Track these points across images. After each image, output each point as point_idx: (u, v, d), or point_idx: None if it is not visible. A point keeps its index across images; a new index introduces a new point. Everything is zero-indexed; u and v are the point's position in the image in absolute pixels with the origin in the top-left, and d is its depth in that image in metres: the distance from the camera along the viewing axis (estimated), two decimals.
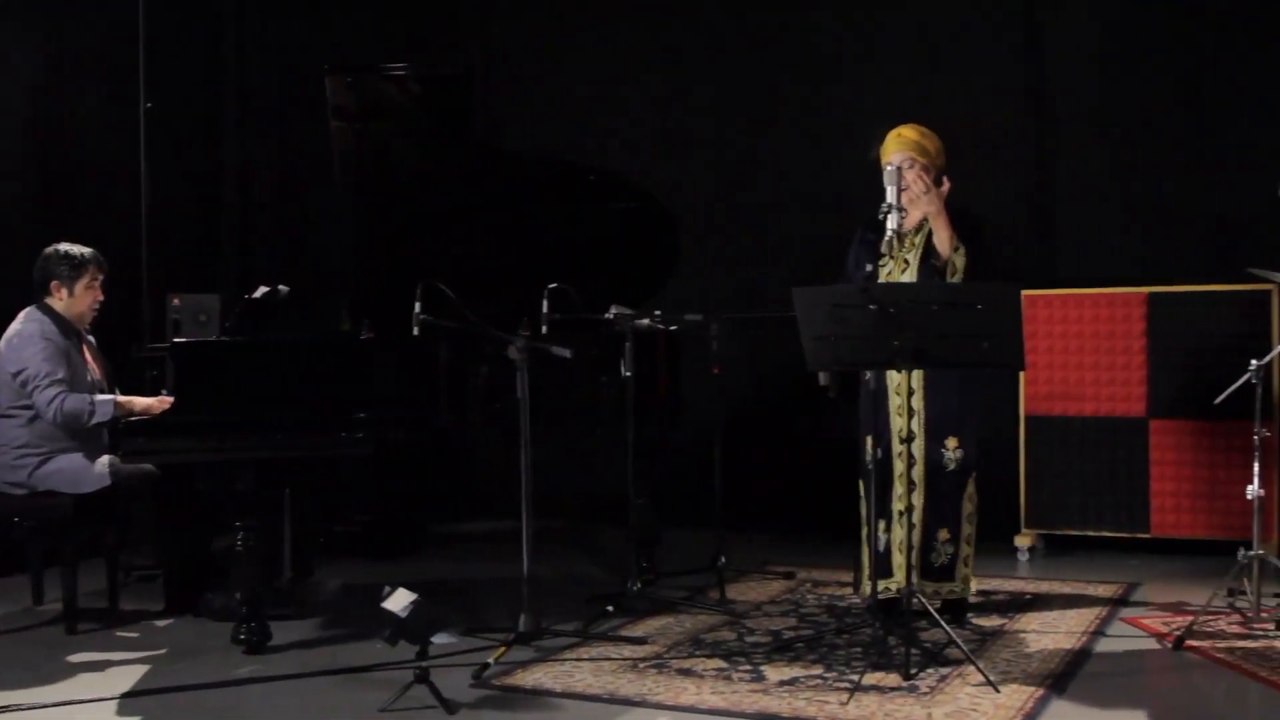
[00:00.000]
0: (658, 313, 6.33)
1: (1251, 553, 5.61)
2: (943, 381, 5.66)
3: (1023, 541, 7.43)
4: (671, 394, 6.66)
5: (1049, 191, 7.90)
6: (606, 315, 6.05)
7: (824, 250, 6.52)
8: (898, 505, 5.63)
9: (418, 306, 5.41)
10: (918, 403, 5.68)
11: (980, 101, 7.86)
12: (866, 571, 5.72)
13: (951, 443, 5.69)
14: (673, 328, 6.52)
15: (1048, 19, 7.88)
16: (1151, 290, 7.23)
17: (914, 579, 5.54)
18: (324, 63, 6.13)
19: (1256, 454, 5.60)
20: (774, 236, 8.40)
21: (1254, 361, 5.55)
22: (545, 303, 6.01)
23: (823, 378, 5.79)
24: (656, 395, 6.50)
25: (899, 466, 5.65)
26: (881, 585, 5.70)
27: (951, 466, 5.70)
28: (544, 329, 5.97)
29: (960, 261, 5.57)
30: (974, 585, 5.89)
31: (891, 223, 5.30)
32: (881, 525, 5.69)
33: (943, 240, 5.59)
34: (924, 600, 5.24)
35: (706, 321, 6.55)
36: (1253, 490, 5.61)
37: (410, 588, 4.68)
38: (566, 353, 5.43)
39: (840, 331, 4.83)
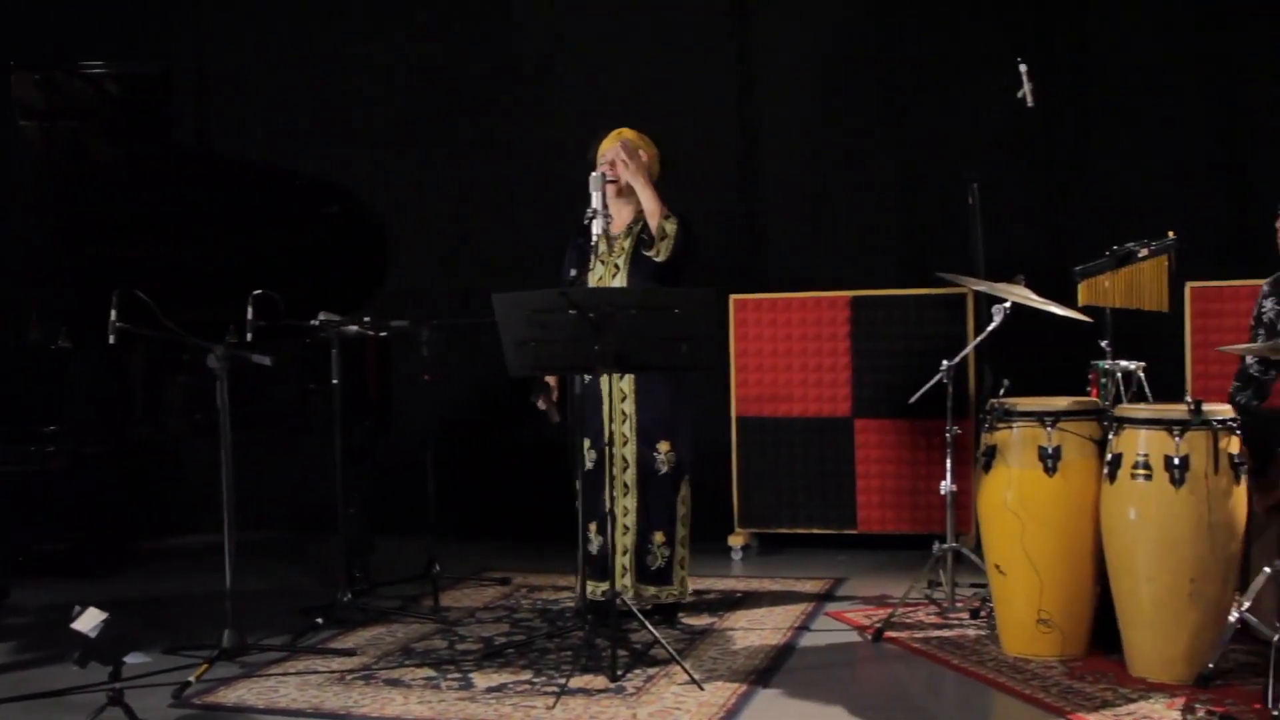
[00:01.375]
0: (367, 319, 6.24)
1: (945, 545, 5.82)
2: (654, 386, 5.72)
3: (736, 541, 7.56)
4: (382, 401, 6.58)
5: (757, 198, 8.06)
6: (313, 322, 5.94)
7: (541, 254, 6.54)
8: (614, 509, 5.67)
9: (114, 314, 5.23)
10: (629, 407, 5.74)
11: (691, 110, 7.96)
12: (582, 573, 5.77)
13: (664, 446, 5.76)
14: (383, 334, 6.43)
15: (757, 30, 8.04)
16: (855, 294, 7.44)
17: (630, 581, 5.62)
18: (12, 59, 5.90)
19: (949, 450, 5.81)
20: (491, 241, 8.36)
21: (945, 362, 5.76)
22: (250, 309, 5.86)
23: (541, 402, 5.83)
24: (366, 402, 6.42)
25: (613, 470, 5.69)
26: (595, 588, 5.74)
27: (664, 469, 5.76)
28: (249, 336, 5.83)
29: (671, 228, 5.63)
30: (689, 586, 5.97)
31: (596, 227, 5.33)
32: (594, 528, 5.73)
33: (652, 211, 5.66)
34: (627, 601, 5.31)
35: (416, 327, 6.48)
36: (946, 485, 5.83)
37: (113, 605, 4.51)
38: (267, 360, 5.31)
39: (541, 336, 4.84)
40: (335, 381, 5.90)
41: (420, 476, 6.60)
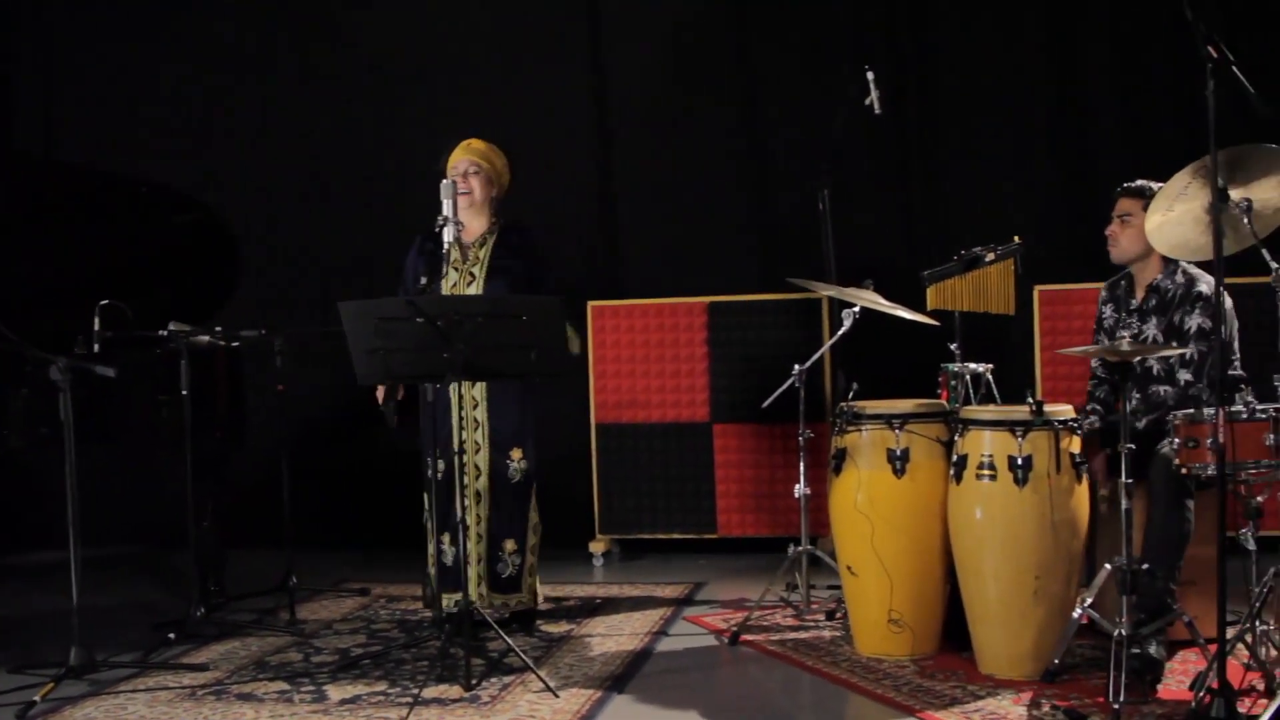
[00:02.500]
0: (219, 329, 6.16)
1: (800, 548, 5.87)
2: (505, 393, 5.72)
3: (597, 548, 7.58)
4: (234, 411, 6.47)
5: (613, 206, 8.09)
6: (161, 332, 5.85)
7: (397, 262, 6.49)
8: (466, 518, 5.66)
9: None
10: (481, 414, 5.72)
11: (545, 117, 7.97)
12: (435, 584, 5.74)
13: (516, 454, 5.75)
14: (234, 344, 6.34)
15: (609, 38, 8.06)
16: (712, 300, 7.49)
17: (484, 590, 5.62)
18: None
19: (801, 454, 5.87)
20: (346, 249, 8.28)
21: (796, 366, 5.82)
22: (97, 320, 5.76)
23: (381, 400, 5.77)
24: (217, 413, 6.31)
25: (464, 478, 5.67)
26: (449, 599, 5.71)
27: (517, 478, 5.75)
28: (96, 347, 5.73)
29: None
30: (541, 594, 5.97)
31: (447, 235, 5.31)
32: (447, 538, 5.70)
33: None
34: (482, 611, 5.31)
35: (269, 337, 6.40)
36: (799, 489, 5.88)
37: None
38: (110, 372, 5.22)
39: (389, 345, 4.80)
40: (184, 392, 5.81)
41: (277, 487, 6.52)
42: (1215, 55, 3.95)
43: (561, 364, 5.05)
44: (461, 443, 5.62)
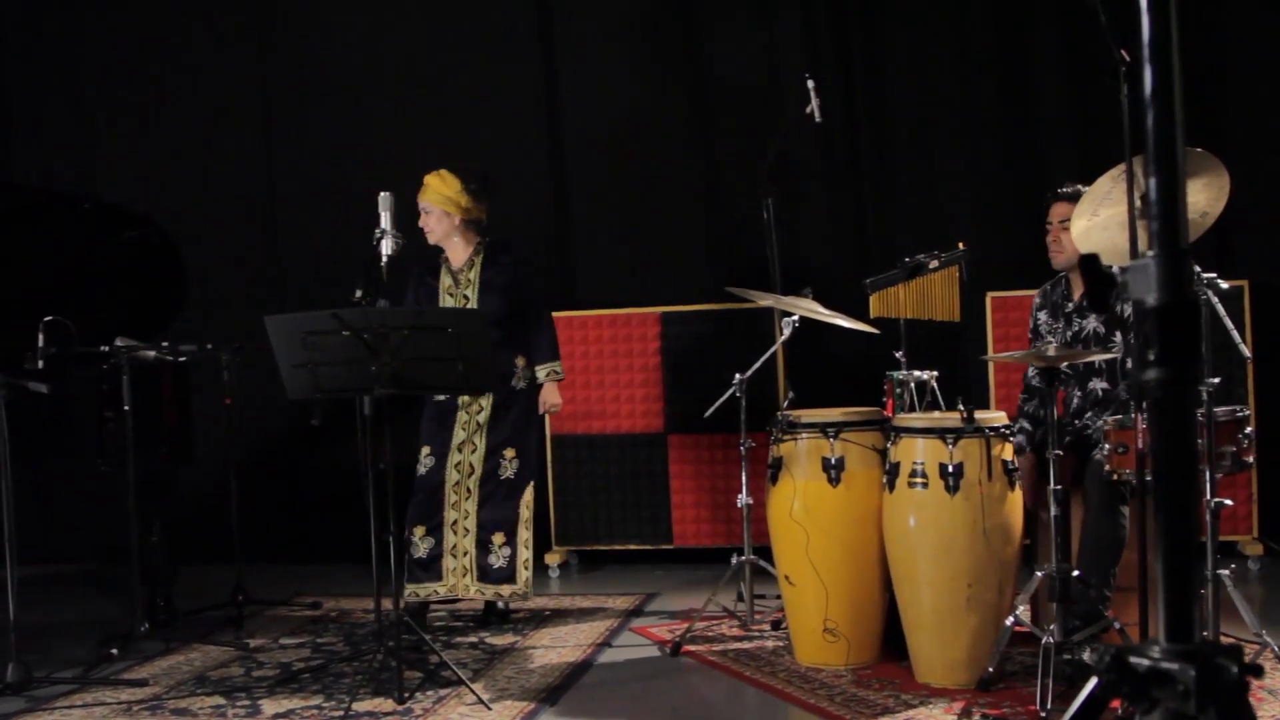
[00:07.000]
0: (165, 344, 6.17)
1: (743, 558, 5.86)
2: (508, 405, 6.03)
3: (553, 559, 7.56)
4: (181, 426, 6.46)
5: (566, 218, 8.08)
6: (104, 348, 5.86)
7: (350, 271, 6.48)
8: (452, 514, 5.91)
9: None
10: (484, 419, 6.00)
11: (499, 127, 7.96)
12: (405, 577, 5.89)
13: (509, 453, 6.00)
14: (181, 359, 6.33)
15: (561, 55, 8.05)
16: (665, 310, 7.48)
17: (470, 581, 5.96)
18: None
19: (743, 463, 5.86)
20: (298, 260, 8.27)
21: (737, 375, 5.81)
22: (41, 336, 5.76)
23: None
24: (163, 428, 6.30)
25: (455, 475, 5.96)
26: (417, 590, 6.00)
27: (507, 473, 5.99)
28: (40, 364, 5.73)
29: None
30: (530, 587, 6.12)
31: (385, 248, 5.31)
32: (420, 531, 5.86)
33: None
34: (412, 623, 5.32)
35: (217, 351, 6.40)
36: (742, 499, 5.87)
37: None
38: (43, 388, 5.24)
39: (318, 359, 4.79)
40: (126, 408, 5.81)
41: (226, 501, 6.51)
42: (1127, 58, 3.95)
43: (490, 379, 5.08)
44: (462, 443, 5.98)
